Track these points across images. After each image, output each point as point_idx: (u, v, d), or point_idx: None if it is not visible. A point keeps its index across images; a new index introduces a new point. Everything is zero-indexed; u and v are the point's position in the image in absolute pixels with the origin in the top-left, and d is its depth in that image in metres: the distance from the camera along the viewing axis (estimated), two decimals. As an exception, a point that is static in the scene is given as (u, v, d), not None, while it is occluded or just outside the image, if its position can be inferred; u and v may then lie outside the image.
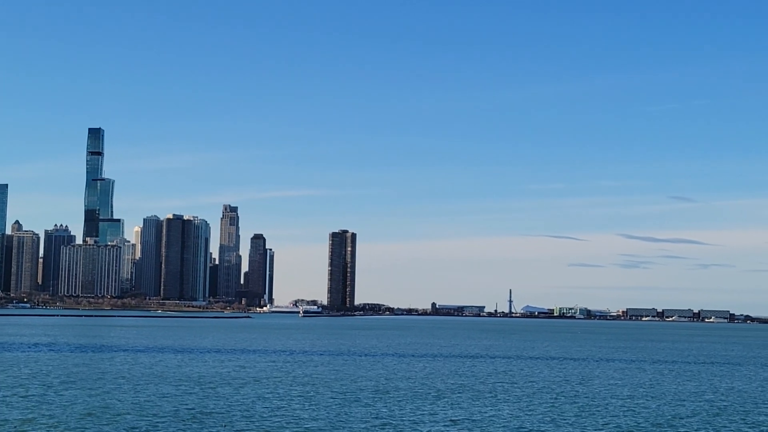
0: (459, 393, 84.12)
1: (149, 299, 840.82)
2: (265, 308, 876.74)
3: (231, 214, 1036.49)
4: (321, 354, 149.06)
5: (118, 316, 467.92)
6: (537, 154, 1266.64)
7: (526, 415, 69.12)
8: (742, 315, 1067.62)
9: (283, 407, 70.16)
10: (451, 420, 65.18)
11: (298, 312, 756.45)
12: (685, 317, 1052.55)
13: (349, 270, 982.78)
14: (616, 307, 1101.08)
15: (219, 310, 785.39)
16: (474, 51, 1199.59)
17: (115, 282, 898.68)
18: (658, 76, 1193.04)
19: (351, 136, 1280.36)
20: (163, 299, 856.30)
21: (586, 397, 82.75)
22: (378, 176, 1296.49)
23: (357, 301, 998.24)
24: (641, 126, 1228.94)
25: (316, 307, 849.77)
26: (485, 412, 69.99)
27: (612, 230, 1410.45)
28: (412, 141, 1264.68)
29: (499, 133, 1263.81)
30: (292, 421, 62.81)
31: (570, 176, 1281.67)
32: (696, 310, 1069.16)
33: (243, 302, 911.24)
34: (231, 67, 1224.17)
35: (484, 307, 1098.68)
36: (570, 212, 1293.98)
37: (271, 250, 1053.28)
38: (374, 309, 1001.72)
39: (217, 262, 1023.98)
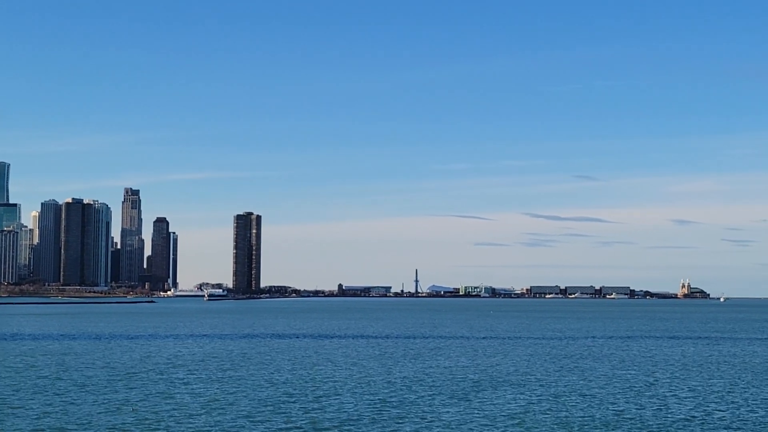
0: (386, 376, 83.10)
1: (48, 285, 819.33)
2: (169, 292, 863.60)
3: (133, 198, 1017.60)
4: (228, 337, 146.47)
5: (16, 303, 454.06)
6: (440, 134, 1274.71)
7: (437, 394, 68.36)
8: (641, 291, 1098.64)
9: (198, 394, 67.88)
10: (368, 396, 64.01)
11: (203, 296, 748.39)
12: (587, 294, 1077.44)
13: (254, 252, 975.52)
14: (520, 285, 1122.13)
15: (121, 295, 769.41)
16: (376, 31, 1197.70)
17: (13, 268, 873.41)
18: (560, 57, 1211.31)
19: (254, 117, 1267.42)
20: (63, 285, 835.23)
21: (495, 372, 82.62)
22: (282, 158, 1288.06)
23: (263, 284, 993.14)
24: (544, 106, 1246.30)
25: (221, 290, 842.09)
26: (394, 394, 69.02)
27: (517, 209, 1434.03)
28: (316, 123, 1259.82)
29: (402, 114, 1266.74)
30: (209, 407, 60.66)
31: (474, 156, 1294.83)
32: (598, 287, 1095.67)
33: (146, 287, 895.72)
34: (132, 49, 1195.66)
35: (390, 287, 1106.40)
36: (475, 192, 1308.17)
37: (174, 233, 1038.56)
38: (280, 291, 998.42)
39: (119, 247, 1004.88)
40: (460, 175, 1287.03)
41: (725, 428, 54.14)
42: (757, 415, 59.47)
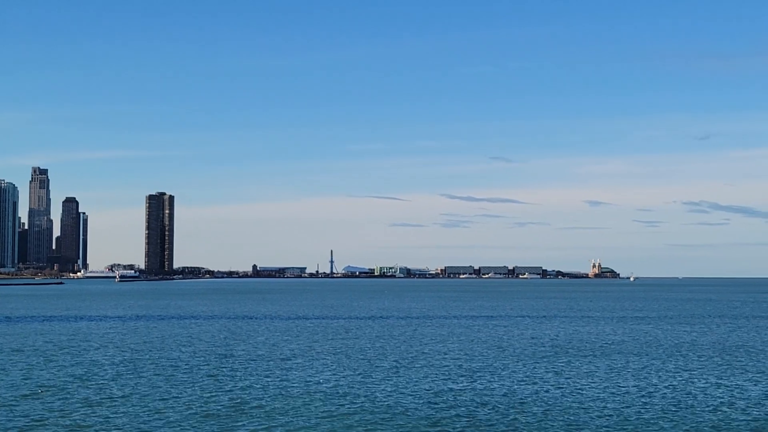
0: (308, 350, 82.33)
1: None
2: (79, 274, 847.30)
3: (41, 177, 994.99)
4: (140, 319, 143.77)
5: None
6: (356, 115, 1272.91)
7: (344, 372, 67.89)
8: (553, 271, 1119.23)
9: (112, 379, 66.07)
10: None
11: (115, 277, 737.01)
12: (500, 274, 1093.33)
13: (167, 233, 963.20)
14: (435, 266, 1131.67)
15: (29, 276, 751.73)
16: (290, 10, 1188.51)
17: None
18: (475, 39, 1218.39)
19: (167, 96, 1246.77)
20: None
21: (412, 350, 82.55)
22: (196, 138, 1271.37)
23: (176, 265, 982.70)
24: (459, 87, 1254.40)
25: (133, 271, 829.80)
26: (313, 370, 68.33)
27: (433, 190, 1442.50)
28: (231, 102, 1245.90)
29: (316, 94, 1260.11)
30: (118, 388, 59.02)
31: (390, 137, 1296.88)
32: (511, 267, 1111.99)
33: (55, 268, 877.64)
34: (38, 23, 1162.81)
35: (305, 268, 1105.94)
36: (391, 172, 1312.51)
37: (84, 213, 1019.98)
38: (194, 272, 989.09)
39: (26, 227, 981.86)
40: (375, 156, 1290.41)
41: (634, 405, 54.77)
42: (660, 388, 60.48)
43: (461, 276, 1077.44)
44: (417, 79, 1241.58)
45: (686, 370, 72.07)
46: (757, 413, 51.54)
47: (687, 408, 53.18)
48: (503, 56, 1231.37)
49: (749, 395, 58.45)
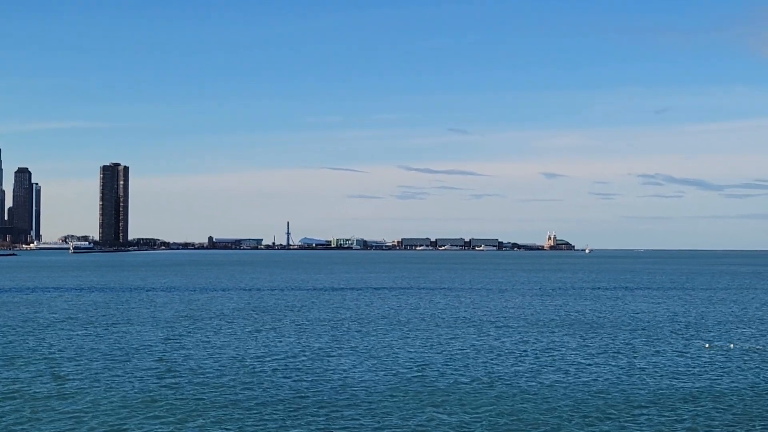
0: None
1: None
2: (32, 245, 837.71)
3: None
4: (97, 290, 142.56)
5: None
6: (313, 86, 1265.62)
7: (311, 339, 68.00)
8: (509, 243, 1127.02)
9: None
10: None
11: (69, 248, 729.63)
12: (456, 246, 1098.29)
13: (121, 204, 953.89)
14: (391, 238, 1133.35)
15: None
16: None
17: None
18: (431, 11, 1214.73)
19: (121, 65, 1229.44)
20: None
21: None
22: (151, 108, 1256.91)
23: (131, 236, 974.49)
24: (418, 60, 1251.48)
25: (87, 242, 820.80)
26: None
27: (390, 162, 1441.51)
28: (184, 72, 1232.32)
29: (273, 66, 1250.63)
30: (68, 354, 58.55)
31: (347, 109, 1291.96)
32: (467, 239, 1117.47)
33: (7, 239, 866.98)
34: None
35: (262, 239, 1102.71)
36: (348, 144, 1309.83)
37: (37, 184, 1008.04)
38: (149, 244, 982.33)
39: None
40: (332, 128, 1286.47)
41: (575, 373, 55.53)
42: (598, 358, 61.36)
43: (418, 248, 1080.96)
44: (374, 52, 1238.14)
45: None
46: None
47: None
48: (461, 29, 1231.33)
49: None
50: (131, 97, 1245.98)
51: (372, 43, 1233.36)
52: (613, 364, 60.63)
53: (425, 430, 40.73)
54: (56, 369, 57.34)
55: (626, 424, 41.85)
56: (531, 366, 59.49)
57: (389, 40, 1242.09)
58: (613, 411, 44.64)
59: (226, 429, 40.58)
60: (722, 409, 45.44)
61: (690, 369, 58.62)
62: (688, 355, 66.14)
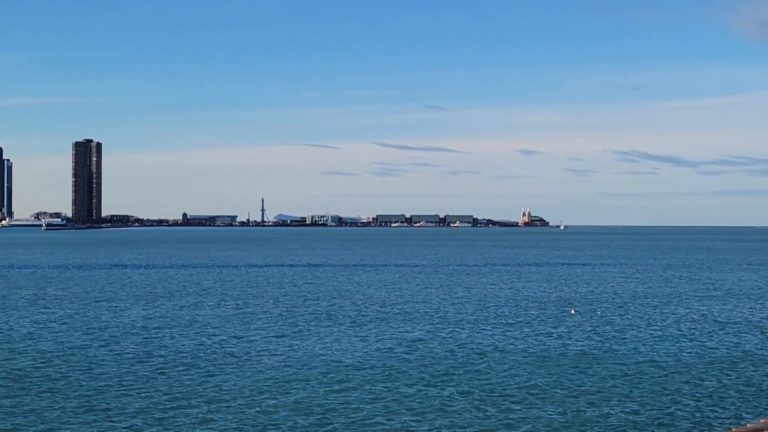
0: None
1: None
2: (3, 222, 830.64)
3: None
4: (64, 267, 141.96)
5: None
6: (289, 62, 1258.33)
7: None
8: (484, 219, 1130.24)
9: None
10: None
11: (41, 225, 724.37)
12: (431, 222, 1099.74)
13: (95, 181, 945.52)
14: (367, 214, 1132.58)
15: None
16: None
17: None
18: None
19: (94, 39, 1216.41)
20: None
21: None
22: (124, 84, 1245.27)
23: (104, 213, 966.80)
24: (394, 36, 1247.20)
25: (60, 219, 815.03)
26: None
27: (366, 139, 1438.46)
28: (157, 48, 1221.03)
29: (249, 42, 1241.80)
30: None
31: (324, 85, 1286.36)
32: (442, 216, 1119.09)
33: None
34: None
35: (236, 216, 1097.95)
36: (324, 121, 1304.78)
37: (9, 160, 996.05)
38: (123, 221, 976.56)
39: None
40: (309, 104, 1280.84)
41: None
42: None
43: (393, 225, 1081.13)
44: (351, 27, 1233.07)
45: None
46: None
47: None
48: (438, 5, 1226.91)
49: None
50: (104, 73, 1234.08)
51: (348, 18, 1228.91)
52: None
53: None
54: (32, 346, 57.31)
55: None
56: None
57: (366, 15, 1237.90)
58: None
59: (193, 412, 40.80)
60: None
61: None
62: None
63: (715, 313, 79.84)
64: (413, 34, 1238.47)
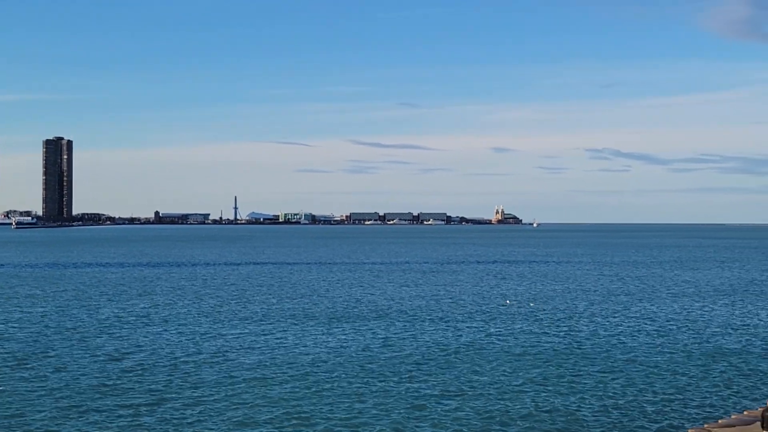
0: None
1: None
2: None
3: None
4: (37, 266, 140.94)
5: None
6: (262, 59, 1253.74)
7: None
8: (457, 217, 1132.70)
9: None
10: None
11: (11, 223, 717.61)
12: (405, 220, 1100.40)
13: (65, 178, 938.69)
14: (340, 212, 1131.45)
15: None
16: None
17: None
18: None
19: (67, 36, 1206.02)
20: None
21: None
22: (95, 81, 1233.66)
23: (75, 211, 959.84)
24: (367, 33, 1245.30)
25: (30, 218, 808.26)
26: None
27: (340, 136, 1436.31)
28: (130, 45, 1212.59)
29: (222, 38, 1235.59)
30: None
31: (297, 82, 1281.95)
32: (416, 213, 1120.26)
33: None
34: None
35: (209, 214, 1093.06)
36: (297, 118, 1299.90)
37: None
38: (94, 219, 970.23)
39: None
40: (281, 101, 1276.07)
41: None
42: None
43: (366, 222, 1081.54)
44: (324, 25, 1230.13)
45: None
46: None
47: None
48: (412, 3, 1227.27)
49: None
50: (75, 70, 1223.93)
51: (322, 16, 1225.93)
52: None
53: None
54: (4, 346, 57.01)
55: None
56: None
57: (339, 13, 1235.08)
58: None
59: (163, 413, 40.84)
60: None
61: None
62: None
63: (687, 310, 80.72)
64: (386, 31, 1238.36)
